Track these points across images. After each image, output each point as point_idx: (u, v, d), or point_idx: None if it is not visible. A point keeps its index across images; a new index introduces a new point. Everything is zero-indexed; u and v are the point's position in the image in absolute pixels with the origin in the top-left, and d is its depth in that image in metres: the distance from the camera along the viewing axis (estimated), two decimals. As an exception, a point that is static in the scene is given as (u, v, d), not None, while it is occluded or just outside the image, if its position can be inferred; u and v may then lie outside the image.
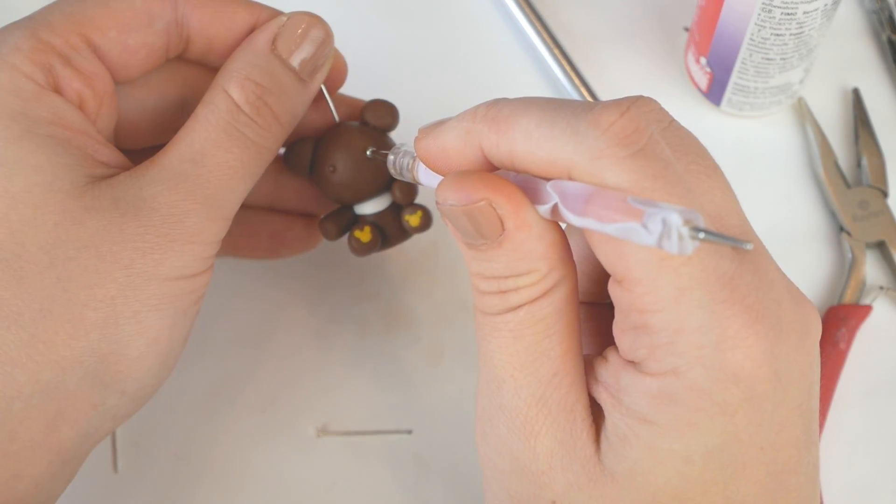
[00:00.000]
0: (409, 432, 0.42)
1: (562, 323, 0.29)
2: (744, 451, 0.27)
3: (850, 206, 0.46)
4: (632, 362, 0.28)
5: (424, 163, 0.31)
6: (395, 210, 0.39)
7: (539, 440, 0.29)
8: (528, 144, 0.28)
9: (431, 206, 0.39)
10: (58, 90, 0.33)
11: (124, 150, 0.36)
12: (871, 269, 0.45)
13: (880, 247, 0.45)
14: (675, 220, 0.23)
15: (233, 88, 0.34)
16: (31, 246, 0.31)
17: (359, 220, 0.39)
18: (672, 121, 0.28)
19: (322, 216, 0.40)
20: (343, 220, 0.39)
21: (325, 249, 0.45)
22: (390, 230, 0.39)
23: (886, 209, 0.46)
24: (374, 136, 0.38)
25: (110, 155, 0.33)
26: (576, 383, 0.29)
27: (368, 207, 0.39)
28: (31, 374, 0.31)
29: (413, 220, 0.38)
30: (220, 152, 0.33)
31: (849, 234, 0.45)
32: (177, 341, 0.34)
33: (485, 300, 0.30)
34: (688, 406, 0.27)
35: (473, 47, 0.50)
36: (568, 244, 0.29)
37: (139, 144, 0.37)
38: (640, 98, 0.28)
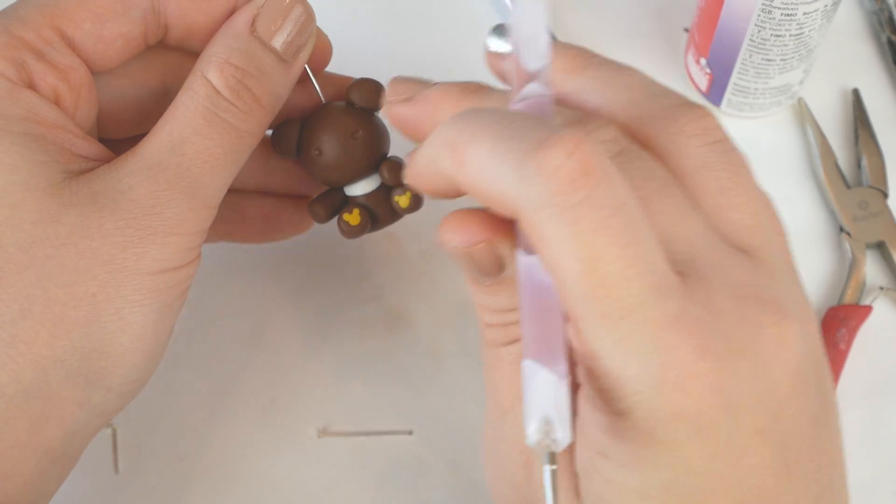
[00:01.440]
0: (410, 433, 0.42)
1: None
2: (702, 482, 0.26)
3: (850, 207, 0.46)
4: None
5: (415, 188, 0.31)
6: (386, 191, 0.38)
7: (535, 470, 0.29)
8: (481, 179, 0.27)
9: None
10: (32, 86, 0.32)
11: (110, 140, 0.36)
12: (871, 270, 0.45)
13: (880, 247, 0.45)
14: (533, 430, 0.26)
15: (211, 73, 0.33)
16: (9, 246, 0.31)
17: (348, 202, 0.38)
18: (629, 145, 0.28)
19: (312, 198, 0.39)
20: (332, 203, 0.39)
21: (326, 249, 0.45)
22: (380, 212, 0.38)
23: (886, 209, 0.45)
24: (361, 116, 0.38)
25: (89, 148, 0.33)
26: None
27: (358, 189, 0.38)
28: (12, 374, 0.31)
29: (402, 200, 0.38)
30: (200, 139, 0.33)
31: (849, 234, 0.45)
32: (162, 335, 0.33)
33: (489, 332, 0.30)
34: (636, 443, 0.26)
35: (473, 48, 0.50)
36: None
37: (124, 134, 0.37)
38: (601, 126, 0.27)
